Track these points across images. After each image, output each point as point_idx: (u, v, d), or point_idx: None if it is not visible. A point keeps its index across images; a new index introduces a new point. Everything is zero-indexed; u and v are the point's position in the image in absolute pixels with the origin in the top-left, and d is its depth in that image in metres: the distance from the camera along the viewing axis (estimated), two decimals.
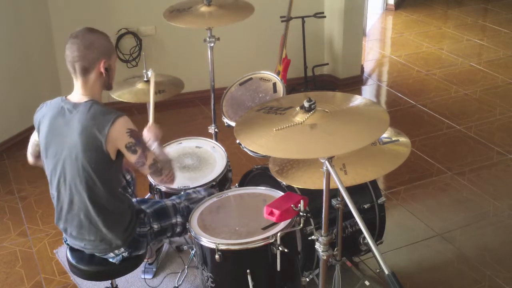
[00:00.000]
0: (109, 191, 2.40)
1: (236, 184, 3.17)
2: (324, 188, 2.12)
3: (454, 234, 3.48)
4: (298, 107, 2.11)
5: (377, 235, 3.04)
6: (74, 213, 2.42)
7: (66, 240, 2.58)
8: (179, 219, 2.63)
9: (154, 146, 2.53)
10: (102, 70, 2.34)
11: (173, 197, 2.75)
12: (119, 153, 2.35)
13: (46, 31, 4.62)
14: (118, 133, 2.28)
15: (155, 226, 2.58)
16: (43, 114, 2.41)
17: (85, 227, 2.43)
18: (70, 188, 2.38)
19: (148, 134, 2.61)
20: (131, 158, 2.33)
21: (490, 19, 7.06)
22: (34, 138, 2.53)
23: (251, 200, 2.66)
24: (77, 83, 2.37)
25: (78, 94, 2.37)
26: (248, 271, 2.36)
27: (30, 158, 2.60)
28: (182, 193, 2.81)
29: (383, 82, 5.57)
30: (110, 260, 2.53)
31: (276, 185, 2.73)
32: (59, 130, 2.34)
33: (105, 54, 2.35)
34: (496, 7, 7.41)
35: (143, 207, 2.61)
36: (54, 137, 2.36)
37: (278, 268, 2.36)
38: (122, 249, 2.49)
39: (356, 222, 1.99)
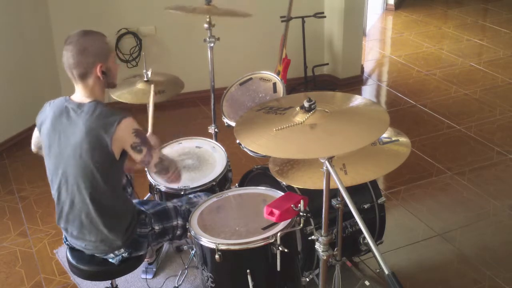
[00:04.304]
0: (111, 190, 2.41)
1: (236, 184, 3.17)
2: (324, 188, 2.12)
3: (454, 234, 3.48)
4: (298, 107, 2.11)
5: (377, 235, 3.04)
6: (75, 213, 2.42)
7: (66, 241, 2.58)
8: (180, 222, 2.64)
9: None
10: (99, 74, 2.34)
11: (174, 200, 2.76)
12: (123, 153, 2.36)
13: (46, 31, 4.62)
14: (124, 133, 2.29)
15: (156, 227, 2.59)
16: (46, 115, 2.41)
17: (86, 227, 2.43)
18: (72, 188, 2.38)
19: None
20: (137, 157, 2.35)
21: (490, 19, 7.06)
22: (36, 135, 2.53)
23: (251, 200, 2.66)
24: (78, 87, 2.38)
25: (80, 96, 2.38)
26: (248, 271, 2.36)
27: (34, 148, 2.60)
28: (183, 197, 2.82)
29: (383, 82, 5.57)
30: (110, 260, 2.53)
31: (276, 185, 2.73)
32: (62, 130, 2.35)
33: (101, 57, 2.33)
34: (496, 7, 7.41)
35: (144, 208, 2.61)
36: (57, 136, 2.36)
37: (278, 268, 2.36)
38: (122, 250, 2.50)
39: (356, 222, 1.99)
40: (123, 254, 2.51)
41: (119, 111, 2.34)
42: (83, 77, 2.33)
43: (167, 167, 2.39)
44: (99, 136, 2.28)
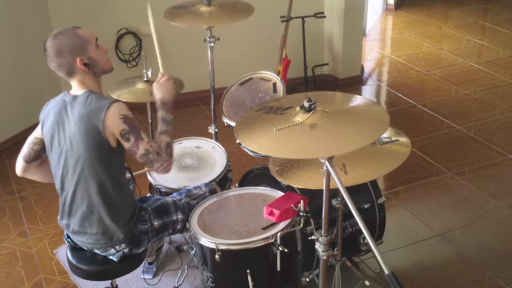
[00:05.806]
0: (113, 180, 2.41)
1: (236, 184, 3.18)
2: (324, 188, 2.12)
3: (454, 234, 3.48)
4: (298, 107, 2.11)
5: (377, 235, 3.04)
6: (77, 204, 2.43)
7: (67, 238, 2.59)
8: (179, 216, 2.64)
9: (160, 111, 2.47)
10: (82, 67, 2.36)
11: (174, 194, 2.75)
12: (120, 141, 2.36)
13: (46, 31, 4.61)
14: (113, 118, 2.29)
15: (156, 223, 2.59)
16: (49, 110, 2.45)
17: (88, 219, 2.44)
18: (73, 179, 2.40)
19: (157, 90, 2.55)
20: (125, 145, 2.35)
21: (490, 19, 7.06)
22: (34, 136, 2.54)
23: (251, 200, 2.66)
24: (71, 82, 2.43)
25: (75, 89, 2.42)
26: (248, 271, 2.36)
27: (20, 164, 2.57)
28: (182, 190, 2.81)
29: (383, 82, 5.57)
30: (111, 257, 2.53)
31: (276, 185, 2.73)
32: (62, 123, 2.38)
33: (77, 51, 2.34)
34: (496, 7, 7.41)
35: (144, 204, 2.62)
36: (57, 129, 2.39)
37: (278, 268, 2.36)
38: (123, 245, 2.50)
39: (356, 222, 1.99)
40: (124, 250, 2.51)
41: (109, 97, 2.36)
42: (70, 74, 2.38)
43: (152, 161, 2.35)
44: (91, 123, 2.30)
